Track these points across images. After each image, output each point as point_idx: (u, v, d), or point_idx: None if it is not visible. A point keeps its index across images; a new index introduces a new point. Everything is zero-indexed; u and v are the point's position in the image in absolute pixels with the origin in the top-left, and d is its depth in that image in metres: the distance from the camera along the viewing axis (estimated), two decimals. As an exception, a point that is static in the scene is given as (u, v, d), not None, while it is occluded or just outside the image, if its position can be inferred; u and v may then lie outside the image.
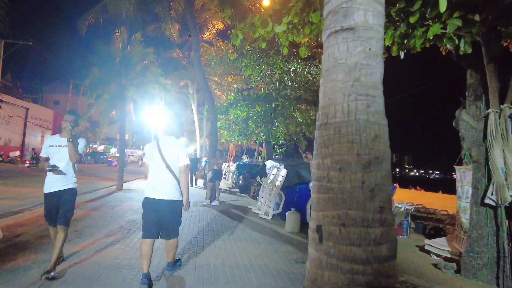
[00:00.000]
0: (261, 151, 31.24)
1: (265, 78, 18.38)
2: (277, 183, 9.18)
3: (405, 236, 8.68)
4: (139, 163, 34.88)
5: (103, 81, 14.18)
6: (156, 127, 25.25)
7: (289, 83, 17.69)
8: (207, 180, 10.77)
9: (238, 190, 15.93)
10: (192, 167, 21.01)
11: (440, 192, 46.89)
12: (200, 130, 31.13)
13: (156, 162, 3.98)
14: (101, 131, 14.27)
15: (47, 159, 4.13)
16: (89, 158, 40.99)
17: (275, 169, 10.07)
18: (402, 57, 5.76)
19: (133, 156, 55.87)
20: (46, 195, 4.11)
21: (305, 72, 17.64)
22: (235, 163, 20.57)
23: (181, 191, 4.02)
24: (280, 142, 17.62)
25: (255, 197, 14.01)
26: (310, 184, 9.41)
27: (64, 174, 4.08)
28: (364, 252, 1.73)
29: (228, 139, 19.10)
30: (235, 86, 21.77)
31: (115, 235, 5.98)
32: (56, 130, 41.96)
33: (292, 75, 16.63)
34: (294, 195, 9.04)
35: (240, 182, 15.84)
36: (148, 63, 14.67)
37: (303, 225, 7.85)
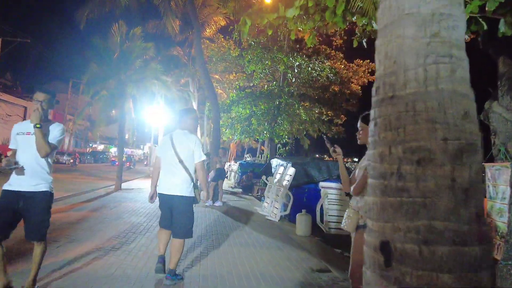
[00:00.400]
0: (263, 150, 30.70)
1: (268, 74, 17.83)
2: (285, 182, 8.62)
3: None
4: (145, 162, 33.91)
5: (101, 77, 13.65)
6: (157, 125, 24.66)
7: (293, 80, 17.14)
8: (209, 179, 10.23)
9: (241, 190, 15.37)
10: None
11: None
12: (201, 129, 30.56)
13: (168, 157, 3.89)
14: (98, 129, 13.70)
15: (15, 152, 3.19)
16: (88, 157, 40.43)
17: (282, 168, 9.51)
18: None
19: (133, 155, 55.27)
20: (5, 192, 3.09)
21: (309, 68, 17.10)
22: (237, 162, 20.01)
23: (193, 187, 3.90)
24: (284, 140, 17.05)
25: (259, 197, 13.45)
26: (321, 184, 8.86)
27: (34, 171, 3.09)
28: (457, 281, 1.16)
29: (230, 137, 18.54)
30: (237, 83, 21.20)
31: (110, 241, 5.41)
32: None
33: (296, 71, 16.07)
34: (303, 196, 8.49)
35: (244, 181, 15.30)
36: (148, 57, 14.11)
37: (314, 228, 7.29)
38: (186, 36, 26.06)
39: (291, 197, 8.24)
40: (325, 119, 19.62)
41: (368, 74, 21.94)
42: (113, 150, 51.63)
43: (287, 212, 8.27)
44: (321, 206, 8.19)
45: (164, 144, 4.01)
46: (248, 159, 22.59)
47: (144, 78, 14.30)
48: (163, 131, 24.36)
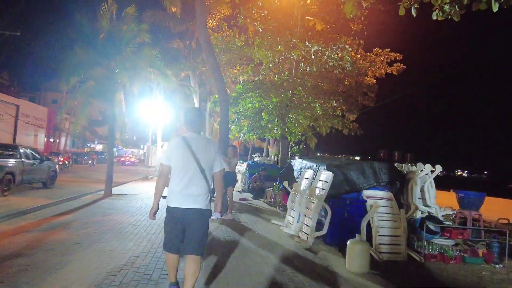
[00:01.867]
0: (269, 149, 28.43)
1: (278, 64, 15.57)
2: (318, 191, 6.37)
3: (500, 265, 5.87)
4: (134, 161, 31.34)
5: (87, 63, 11.40)
6: (155, 123, 22.34)
7: (307, 69, 14.88)
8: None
9: (250, 194, 13.09)
10: None
11: (451, 189, 44.05)
12: (202, 127, 28.33)
13: (187, 165, 3.26)
14: (78, 124, 11.45)
15: None
16: (85, 158, 38.16)
17: (310, 172, 7.26)
18: (495, 9, 3.54)
19: (133, 156, 52.97)
20: None
21: (325, 57, 14.86)
22: (245, 163, 17.68)
23: (210, 199, 3.40)
24: (297, 138, 14.78)
25: (273, 204, 11.21)
26: (365, 193, 6.60)
27: None
28: None
29: (236, 134, 16.20)
30: (241, 78, 18.89)
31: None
32: (51, 129, 39.33)
33: (313, 57, 13.83)
34: (343, 209, 6.25)
35: (256, 185, 13.07)
36: (141, 41, 11.85)
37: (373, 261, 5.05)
38: (186, 27, 23.85)
39: (329, 211, 5.99)
40: (339, 114, 17.35)
41: (386, 65, 19.68)
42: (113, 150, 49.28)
43: (324, 232, 6.02)
44: (367, 222, 6.00)
45: (179, 150, 3.32)
46: (256, 159, 20.16)
47: (138, 66, 12.06)
48: (161, 130, 22.11)
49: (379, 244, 5.95)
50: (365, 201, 6.33)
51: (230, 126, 15.42)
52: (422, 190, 6.75)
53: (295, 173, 8.03)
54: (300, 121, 13.96)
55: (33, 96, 47.74)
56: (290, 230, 6.80)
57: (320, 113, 15.23)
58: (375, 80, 19.78)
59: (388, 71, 20.20)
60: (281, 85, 13.94)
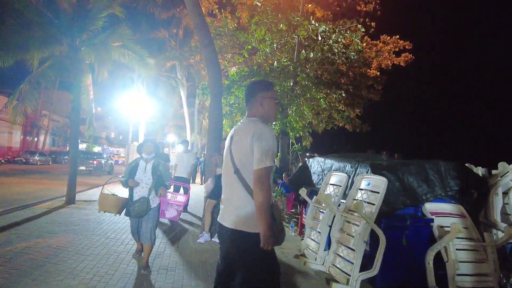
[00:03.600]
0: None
1: (276, 51, 13.29)
2: (366, 207, 4.09)
3: None
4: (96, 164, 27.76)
5: (44, 40, 8.94)
6: (139, 118, 19.73)
7: (311, 54, 12.64)
8: (204, 194, 5.66)
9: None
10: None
11: None
12: (191, 125, 25.93)
13: (224, 162, 2.43)
14: (20, 113, 8.98)
15: None
16: (66, 157, 35.19)
17: (339, 176, 4.98)
18: None
19: (119, 155, 50.01)
20: None
21: (331, 41, 12.67)
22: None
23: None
24: (299, 133, 12.51)
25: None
26: (428, 207, 4.34)
27: None
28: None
29: (228, 130, 13.78)
30: (234, 69, 16.52)
31: None
32: (29, 126, 36.26)
33: (319, 38, 11.60)
34: (401, 234, 4.02)
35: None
36: (112, 12, 9.42)
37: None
38: (172, 14, 21.43)
39: (382, 238, 3.73)
40: (342, 109, 15.14)
41: (394, 55, 17.60)
42: (97, 149, 46.28)
43: (374, 271, 3.74)
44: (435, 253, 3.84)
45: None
46: None
47: (109, 46, 9.64)
48: (145, 125, 19.58)
49: (458, 286, 3.77)
50: (430, 220, 4.11)
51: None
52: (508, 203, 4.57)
53: (314, 177, 5.75)
54: (305, 113, 11.72)
55: (13, 92, 44.46)
56: (315, 261, 4.53)
57: (324, 106, 13.04)
58: (378, 73, 17.67)
59: (395, 62, 18.20)
60: (281, 71, 11.69)
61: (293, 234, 6.33)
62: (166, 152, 16.81)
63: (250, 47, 12.49)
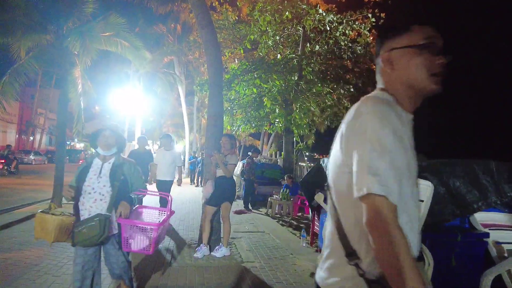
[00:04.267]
0: (264, 148, 25.24)
1: (279, 43, 12.44)
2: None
3: None
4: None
5: (28, 27, 8.08)
6: (134, 115, 18.80)
7: (316, 47, 11.81)
8: (202, 200, 4.76)
9: (247, 206, 9.83)
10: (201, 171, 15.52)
11: None
12: (189, 124, 25.06)
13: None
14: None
15: None
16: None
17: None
18: None
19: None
20: None
21: (338, 33, 11.85)
22: (240, 162, 14.44)
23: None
24: (305, 131, 11.64)
25: (278, 216, 8.09)
26: (479, 218, 3.41)
27: None
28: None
29: (228, 128, 12.89)
30: (235, 63, 15.63)
31: None
32: (24, 124, 35.34)
33: (328, 28, 10.76)
34: (449, 251, 3.18)
35: (256, 192, 9.89)
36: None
37: None
38: (170, 8, 20.53)
39: (430, 260, 2.88)
40: (348, 106, 14.24)
41: (401, 50, 16.73)
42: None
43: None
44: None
45: None
46: (256, 158, 16.44)
47: (97, 34, 8.78)
48: (141, 124, 18.68)
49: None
50: (485, 235, 3.27)
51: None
52: None
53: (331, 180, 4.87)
54: (312, 109, 10.86)
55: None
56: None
57: (329, 102, 12.18)
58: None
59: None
60: (285, 64, 10.84)
61: (304, 244, 5.48)
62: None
63: (252, 37, 11.62)
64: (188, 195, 11.86)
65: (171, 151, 6.44)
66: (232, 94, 11.64)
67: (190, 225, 6.73)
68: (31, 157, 28.38)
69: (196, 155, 18.16)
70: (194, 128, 30.38)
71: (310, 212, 5.71)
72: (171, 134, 28.26)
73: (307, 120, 11.79)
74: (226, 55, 16.49)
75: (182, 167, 12.15)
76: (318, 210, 5.30)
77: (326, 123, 13.75)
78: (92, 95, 10.01)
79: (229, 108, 11.57)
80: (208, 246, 4.56)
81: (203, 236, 4.57)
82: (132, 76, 17.32)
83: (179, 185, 6.70)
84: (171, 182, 6.30)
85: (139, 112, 18.73)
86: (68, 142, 47.20)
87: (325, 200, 4.45)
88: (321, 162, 5.32)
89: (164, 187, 6.10)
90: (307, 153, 12.45)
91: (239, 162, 14.34)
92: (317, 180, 5.25)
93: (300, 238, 6.21)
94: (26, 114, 33.20)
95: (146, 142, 7.04)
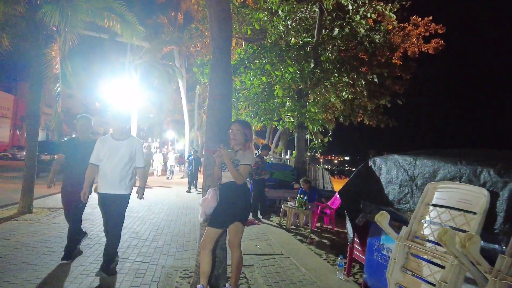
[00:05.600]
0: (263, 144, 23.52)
1: (290, 29, 10.83)
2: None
3: None
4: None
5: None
6: (130, 109, 17.15)
7: (335, 31, 10.23)
8: (200, 218, 3.16)
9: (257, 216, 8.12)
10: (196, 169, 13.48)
11: None
12: (190, 121, 23.51)
13: None
14: None
15: None
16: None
17: (462, 190, 2.51)
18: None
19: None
20: None
21: (358, 17, 10.28)
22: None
23: None
24: (320, 127, 10.03)
25: (298, 230, 6.50)
26: None
27: None
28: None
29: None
30: (241, 48, 13.98)
31: None
32: (18, 119, 33.75)
33: (350, 7, 9.19)
34: None
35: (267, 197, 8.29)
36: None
37: None
38: (171, -5, 19.00)
39: None
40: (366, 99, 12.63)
41: (422, 41, 15.16)
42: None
43: None
44: None
45: None
46: (270, 158, 14.24)
47: (78, 4, 7.20)
48: (137, 117, 17.07)
49: None
50: None
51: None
52: None
53: (391, 189, 3.30)
54: (332, 100, 9.29)
55: (9, 87, 42.39)
56: None
57: (346, 95, 10.58)
58: (399, 61, 15.19)
59: (423, 50, 15.74)
60: (300, 49, 9.25)
61: (342, 277, 3.91)
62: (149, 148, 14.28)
63: (261, 15, 10.02)
64: (187, 200, 10.30)
65: (128, 140, 3.68)
66: (237, 84, 10.07)
67: (185, 243, 5.15)
68: (24, 153, 26.86)
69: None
70: (195, 125, 28.84)
71: (349, 231, 4.12)
72: (172, 130, 26.43)
73: (324, 114, 10.23)
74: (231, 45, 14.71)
75: (153, 167, 10.08)
76: (363, 229, 3.73)
77: (341, 119, 12.10)
78: (72, 83, 8.52)
79: (234, 99, 9.98)
80: (205, 281, 2.98)
81: (201, 272, 2.98)
82: (128, 66, 15.73)
83: (140, 198, 3.86)
84: (123, 198, 3.62)
85: (135, 106, 17.12)
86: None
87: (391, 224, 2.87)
88: (370, 163, 3.73)
89: (109, 207, 3.59)
90: (320, 152, 10.81)
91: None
92: (366, 188, 3.67)
93: (329, 263, 4.65)
94: (21, 108, 31.63)
95: (90, 123, 4.22)
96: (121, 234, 3.74)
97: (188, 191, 12.37)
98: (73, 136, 4.68)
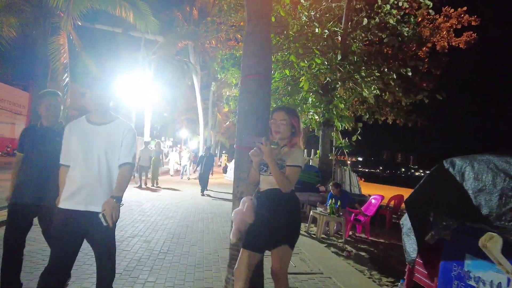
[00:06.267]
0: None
1: (313, 19, 10.00)
2: None
3: None
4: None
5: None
6: (143, 105, 16.52)
7: (364, 21, 9.39)
8: (233, 237, 2.37)
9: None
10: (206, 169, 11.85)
11: None
12: (204, 120, 22.89)
13: None
14: None
15: None
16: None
17: None
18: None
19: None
20: None
21: (387, 7, 9.43)
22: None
23: None
24: (348, 125, 9.20)
25: (330, 240, 5.70)
26: None
27: None
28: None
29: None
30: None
31: None
32: (34, 116, 33.61)
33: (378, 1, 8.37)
34: None
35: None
36: None
37: None
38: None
39: None
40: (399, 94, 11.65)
41: (453, 34, 14.10)
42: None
43: None
44: None
45: None
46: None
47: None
48: (150, 114, 16.45)
49: None
50: None
51: (232, 106, 9.84)
52: None
53: (483, 201, 2.48)
54: (365, 95, 8.46)
55: (26, 85, 42.68)
56: None
57: (375, 91, 9.70)
58: (425, 56, 14.14)
59: (453, 44, 14.68)
60: (328, 38, 8.44)
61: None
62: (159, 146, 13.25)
63: (281, 9, 9.22)
64: (202, 203, 9.60)
65: (112, 125, 2.31)
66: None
67: (205, 256, 4.41)
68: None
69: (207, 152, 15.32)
70: (209, 124, 28.23)
71: (409, 248, 3.30)
72: (185, 129, 25.69)
73: (348, 112, 9.39)
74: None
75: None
76: (430, 247, 2.92)
77: (367, 116, 11.20)
78: (85, 82, 7.92)
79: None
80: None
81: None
82: (142, 62, 15.13)
83: (109, 222, 2.12)
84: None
85: (149, 104, 16.52)
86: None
87: (470, 242, 2.07)
88: (446, 165, 2.91)
89: (85, 234, 2.20)
90: (347, 152, 9.96)
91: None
92: (440, 198, 2.85)
93: (375, 282, 3.86)
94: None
95: (59, 102, 2.78)
96: (115, 264, 2.29)
97: (202, 194, 11.24)
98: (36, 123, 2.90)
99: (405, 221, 3.51)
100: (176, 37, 16.29)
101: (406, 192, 5.25)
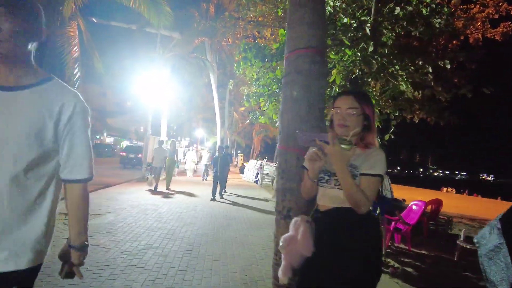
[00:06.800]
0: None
1: (341, 7, 9.23)
2: None
3: None
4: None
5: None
6: (159, 104, 16.00)
7: (396, 10, 8.56)
8: (281, 273, 1.71)
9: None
10: (223, 168, 10.52)
11: (499, 198, 36.07)
12: (221, 119, 22.34)
13: None
14: None
15: None
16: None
17: None
18: None
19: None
20: None
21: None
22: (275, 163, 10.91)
23: None
24: (381, 121, 8.41)
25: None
26: None
27: None
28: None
29: (266, 121, 9.58)
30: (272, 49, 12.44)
31: None
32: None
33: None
34: None
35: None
36: None
37: None
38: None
39: None
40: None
41: (489, 25, 13.07)
42: (125, 143, 43.60)
43: None
44: None
45: None
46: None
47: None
48: (167, 113, 15.96)
49: None
50: None
51: (260, 102, 9.11)
52: None
53: None
54: (403, 89, 7.67)
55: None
56: None
57: (406, 86, 8.85)
58: (461, 51, 13.07)
59: (488, 37, 13.60)
60: (359, 28, 7.67)
61: None
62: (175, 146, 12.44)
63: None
64: (223, 207, 8.99)
65: (38, 89, 1.19)
66: (278, 74, 8.58)
67: (230, 275, 3.76)
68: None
69: (227, 152, 14.66)
70: (226, 123, 27.74)
71: (492, 276, 2.58)
72: (201, 129, 25.24)
73: (377, 108, 8.56)
74: (267, 36, 13.65)
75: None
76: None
77: (397, 114, 10.34)
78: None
79: (277, 90, 8.49)
80: None
81: None
82: (158, 60, 14.65)
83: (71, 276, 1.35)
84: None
85: (166, 103, 16.03)
86: (97, 136, 46.00)
87: None
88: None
89: None
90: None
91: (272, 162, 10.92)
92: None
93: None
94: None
95: None
96: None
97: (213, 199, 9.63)
98: None
99: (484, 240, 2.77)
100: (193, 34, 15.71)
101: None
